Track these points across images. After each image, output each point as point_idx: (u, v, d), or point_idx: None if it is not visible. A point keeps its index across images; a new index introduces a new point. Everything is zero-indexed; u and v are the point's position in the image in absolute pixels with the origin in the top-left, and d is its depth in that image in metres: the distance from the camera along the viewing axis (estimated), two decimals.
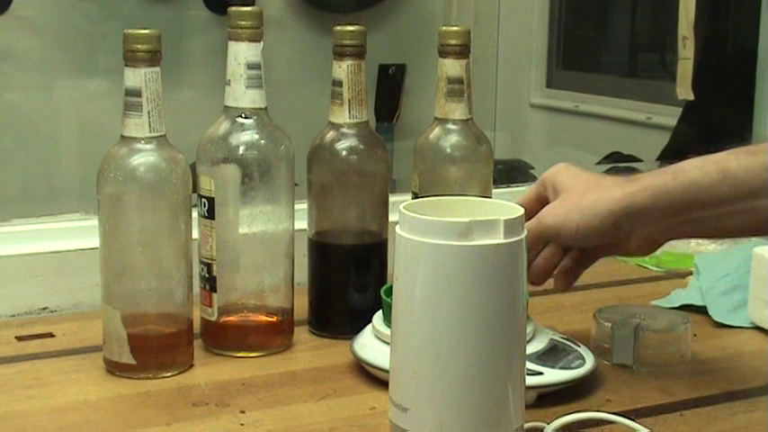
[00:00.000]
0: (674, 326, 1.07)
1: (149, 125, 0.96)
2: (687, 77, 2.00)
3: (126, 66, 0.96)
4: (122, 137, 0.97)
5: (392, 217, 1.02)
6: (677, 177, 0.93)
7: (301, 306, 1.11)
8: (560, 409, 0.91)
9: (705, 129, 2.16)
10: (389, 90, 2.30)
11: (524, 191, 1.06)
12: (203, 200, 1.04)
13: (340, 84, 1.06)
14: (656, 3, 2.81)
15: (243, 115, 1.03)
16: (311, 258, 1.12)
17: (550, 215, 0.97)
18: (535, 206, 1.00)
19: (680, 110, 2.20)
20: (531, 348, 0.96)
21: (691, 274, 1.29)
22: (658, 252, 1.40)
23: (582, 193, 0.96)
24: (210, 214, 1.03)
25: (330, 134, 1.09)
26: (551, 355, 0.97)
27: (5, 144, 1.89)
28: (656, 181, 0.94)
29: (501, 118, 2.70)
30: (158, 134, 0.97)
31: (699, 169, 0.93)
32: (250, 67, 1.02)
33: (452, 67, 1.11)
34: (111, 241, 0.99)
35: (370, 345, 1.00)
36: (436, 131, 1.13)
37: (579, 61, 2.98)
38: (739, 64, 2.14)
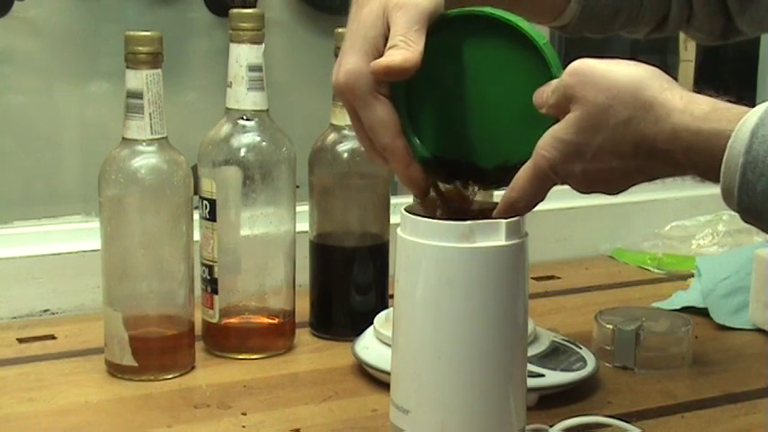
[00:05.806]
0: (675, 328, 1.07)
1: (151, 127, 0.96)
2: (688, 80, 2.00)
3: (127, 68, 0.96)
4: (124, 139, 0.97)
5: (394, 219, 1.02)
6: None
7: (303, 308, 1.11)
8: (562, 411, 0.91)
9: None
10: None
11: None
12: (205, 202, 1.04)
13: None
14: None
15: (244, 117, 1.03)
16: (312, 260, 1.12)
17: None
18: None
19: None
20: (533, 350, 0.96)
21: (692, 275, 1.29)
22: (660, 254, 1.42)
23: None
24: (212, 216, 1.03)
25: (331, 136, 1.09)
26: (553, 357, 0.97)
27: (6, 146, 1.89)
28: None
29: None
30: (160, 136, 0.97)
31: None
32: (251, 69, 1.02)
33: None
34: (113, 243, 0.99)
35: (372, 347, 1.00)
36: None
37: None
38: (740, 66, 2.14)
